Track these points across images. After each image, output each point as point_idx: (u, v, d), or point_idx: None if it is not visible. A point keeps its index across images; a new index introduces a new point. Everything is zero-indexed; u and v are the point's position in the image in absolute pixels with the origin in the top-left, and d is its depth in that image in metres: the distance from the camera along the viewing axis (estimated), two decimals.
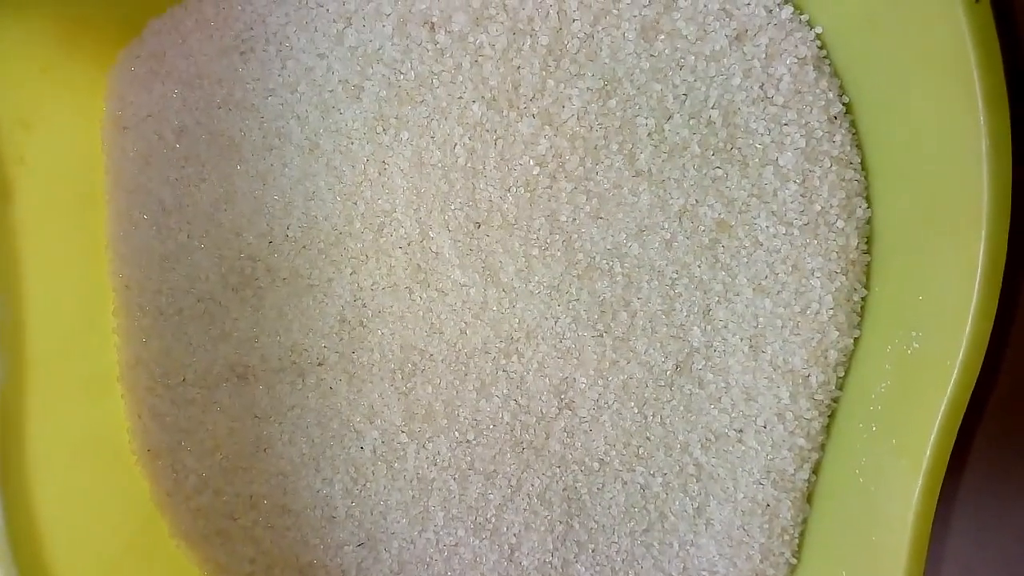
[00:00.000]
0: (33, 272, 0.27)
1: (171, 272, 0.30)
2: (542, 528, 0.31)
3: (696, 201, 0.28)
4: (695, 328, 0.29)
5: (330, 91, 0.29)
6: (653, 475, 0.30)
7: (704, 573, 0.31)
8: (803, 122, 0.27)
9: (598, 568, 0.31)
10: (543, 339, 0.29)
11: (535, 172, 0.28)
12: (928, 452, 0.24)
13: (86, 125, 0.29)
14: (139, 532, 0.31)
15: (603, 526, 0.31)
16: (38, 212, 0.27)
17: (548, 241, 0.29)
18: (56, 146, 0.28)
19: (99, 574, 0.29)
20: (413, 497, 0.31)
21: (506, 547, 0.31)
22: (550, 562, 0.31)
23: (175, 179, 0.30)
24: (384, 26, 0.28)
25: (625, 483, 0.30)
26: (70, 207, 0.29)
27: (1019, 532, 0.30)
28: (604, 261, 0.29)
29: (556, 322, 0.29)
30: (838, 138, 0.27)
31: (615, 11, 0.28)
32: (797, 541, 0.30)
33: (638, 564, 0.31)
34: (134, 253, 0.30)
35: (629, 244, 0.28)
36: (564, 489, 0.30)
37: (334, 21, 0.28)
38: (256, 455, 0.31)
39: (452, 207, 0.29)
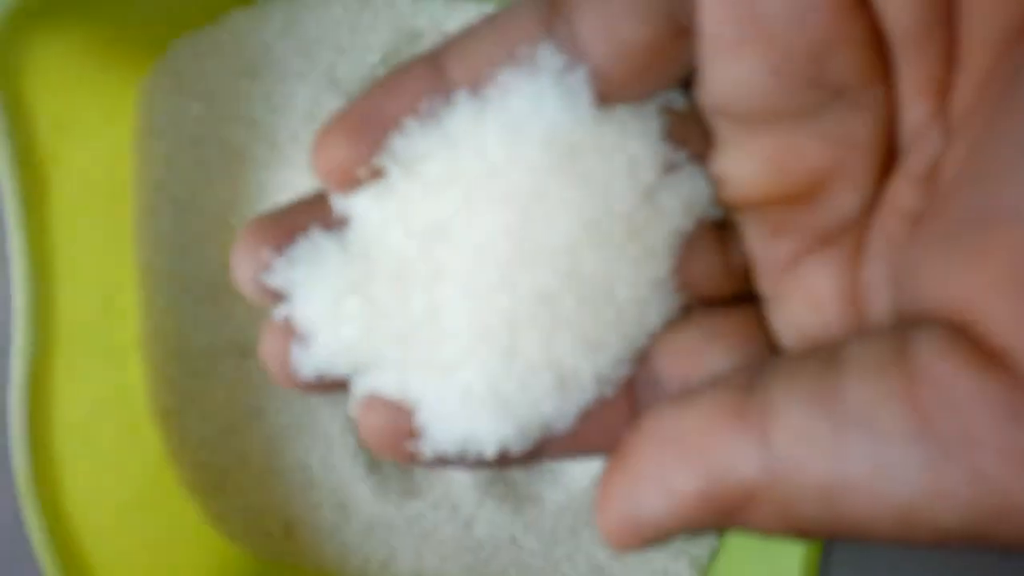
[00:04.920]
0: (65, 255, 0.31)
1: (185, 260, 0.35)
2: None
3: None
4: None
5: (322, 114, 0.33)
6: None
7: None
8: None
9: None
10: None
11: None
12: None
13: (118, 128, 0.34)
14: (150, 481, 0.36)
15: None
16: (72, 204, 0.32)
17: None
18: (88, 146, 0.33)
19: (115, 516, 0.34)
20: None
21: (461, 521, 0.35)
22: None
23: (190, 181, 0.34)
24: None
25: None
26: (102, 199, 0.34)
27: None
28: None
29: None
30: None
31: None
32: None
33: None
34: (154, 241, 0.35)
35: None
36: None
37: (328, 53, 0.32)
38: (249, 422, 0.36)
39: None
